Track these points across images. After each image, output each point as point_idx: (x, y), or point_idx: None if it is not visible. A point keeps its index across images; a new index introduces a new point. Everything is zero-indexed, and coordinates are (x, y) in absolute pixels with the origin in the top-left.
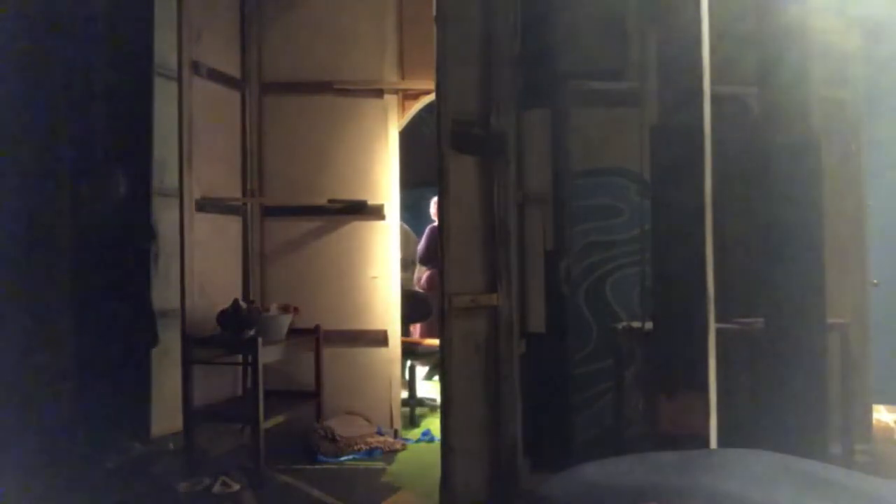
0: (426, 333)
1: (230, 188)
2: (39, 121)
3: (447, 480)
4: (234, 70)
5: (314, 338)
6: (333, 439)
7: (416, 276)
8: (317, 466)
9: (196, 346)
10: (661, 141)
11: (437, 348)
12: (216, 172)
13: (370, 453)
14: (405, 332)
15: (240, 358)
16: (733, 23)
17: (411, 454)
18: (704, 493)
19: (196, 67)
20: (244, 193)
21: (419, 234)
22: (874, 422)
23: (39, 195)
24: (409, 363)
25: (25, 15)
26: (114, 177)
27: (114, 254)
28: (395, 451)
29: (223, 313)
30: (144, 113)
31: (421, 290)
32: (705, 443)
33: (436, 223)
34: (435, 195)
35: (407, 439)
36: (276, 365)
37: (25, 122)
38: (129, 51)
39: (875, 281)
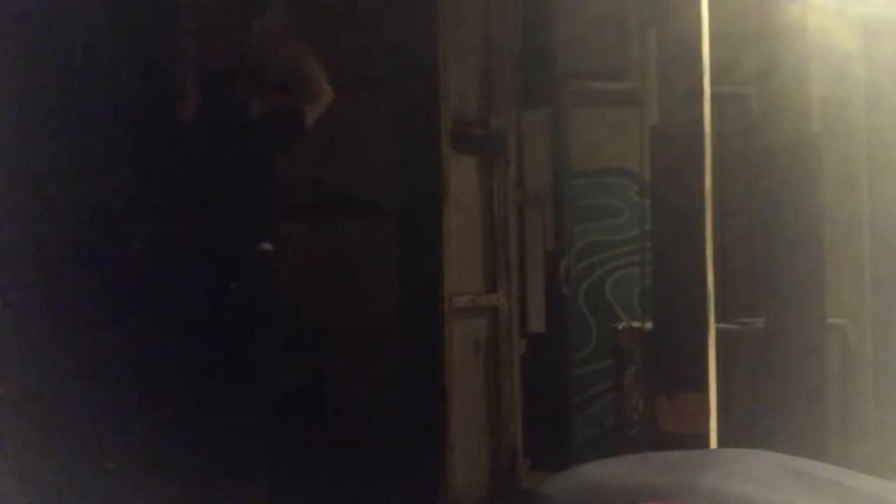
0: None
1: None
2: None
3: (447, 480)
4: None
5: None
6: None
7: None
8: None
9: None
10: (661, 141)
11: None
12: None
13: None
14: None
15: None
16: (733, 23)
17: None
18: (704, 493)
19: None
20: None
21: None
22: None
23: None
24: None
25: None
26: None
27: None
28: None
29: None
30: None
31: None
32: (705, 443)
33: None
34: None
35: None
36: None
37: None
38: None
39: None
